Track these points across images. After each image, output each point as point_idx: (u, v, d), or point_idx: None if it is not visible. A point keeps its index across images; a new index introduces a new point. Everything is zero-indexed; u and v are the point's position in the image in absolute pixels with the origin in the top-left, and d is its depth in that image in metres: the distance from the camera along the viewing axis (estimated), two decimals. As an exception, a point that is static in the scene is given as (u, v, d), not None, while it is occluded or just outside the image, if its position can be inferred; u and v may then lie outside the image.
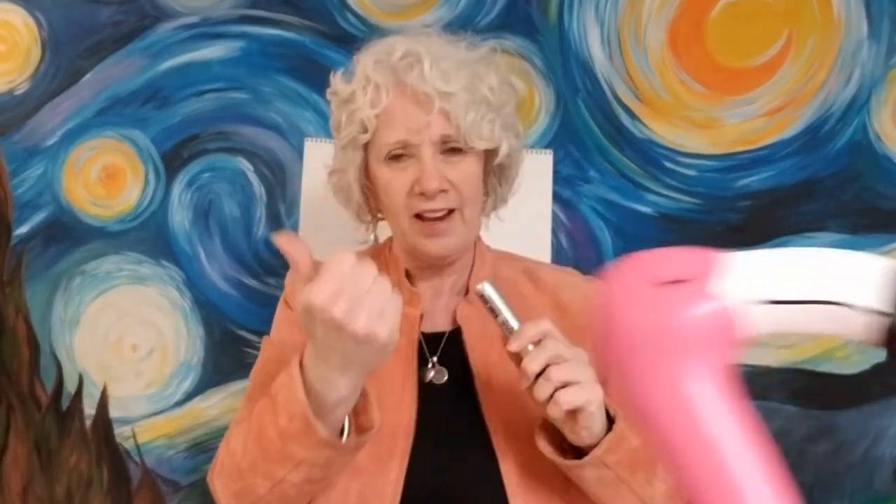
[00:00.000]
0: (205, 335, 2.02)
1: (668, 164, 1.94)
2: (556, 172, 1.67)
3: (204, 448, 2.04)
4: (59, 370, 2.03)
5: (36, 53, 2.00)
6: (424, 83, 1.05)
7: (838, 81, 1.93)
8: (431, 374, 1.11)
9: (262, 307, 2.01)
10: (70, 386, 2.03)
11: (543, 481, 1.03)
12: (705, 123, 1.94)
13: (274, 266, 2.01)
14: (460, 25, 1.97)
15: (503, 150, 1.12)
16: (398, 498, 1.05)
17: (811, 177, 1.94)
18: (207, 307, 2.02)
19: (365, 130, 1.09)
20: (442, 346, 1.12)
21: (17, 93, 2.01)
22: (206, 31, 1.99)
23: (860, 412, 1.95)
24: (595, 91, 1.95)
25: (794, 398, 1.92)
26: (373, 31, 1.98)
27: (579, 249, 1.98)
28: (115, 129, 2.01)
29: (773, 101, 1.93)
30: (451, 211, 1.10)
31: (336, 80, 1.14)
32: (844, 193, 1.94)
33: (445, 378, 1.10)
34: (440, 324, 1.15)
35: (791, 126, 1.94)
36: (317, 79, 1.99)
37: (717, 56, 1.93)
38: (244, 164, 2.01)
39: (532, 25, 1.97)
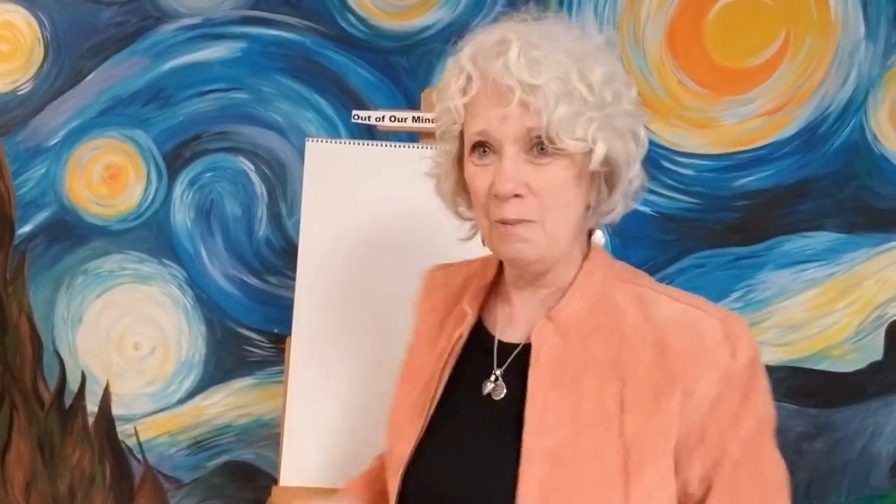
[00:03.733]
0: (206, 333, 2.03)
1: (666, 164, 1.95)
2: (554, 172, 1.67)
3: (206, 445, 2.05)
4: (61, 368, 2.04)
5: (39, 54, 2.01)
6: (508, 73, 0.95)
7: (835, 82, 1.94)
8: (490, 387, 1.04)
9: (264, 305, 2.03)
10: (73, 383, 2.05)
11: None
12: (703, 123, 1.95)
13: (275, 265, 2.02)
14: (461, 26, 1.98)
15: (598, 152, 0.97)
16: (398, 497, 1.06)
17: (808, 176, 1.95)
18: (209, 305, 2.03)
19: (455, 121, 1.02)
20: (511, 360, 1.04)
21: (20, 93, 2.02)
22: (208, 31, 2.00)
23: (857, 410, 1.96)
24: (594, 91, 1.96)
25: (792, 396, 1.93)
26: (373, 32, 2.00)
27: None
28: (118, 128, 2.02)
29: (771, 102, 1.94)
30: (529, 221, 0.99)
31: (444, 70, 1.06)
32: (841, 193, 1.95)
33: (504, 394, 1.03)
34: (519, 335, 1.05)
35: (788, 126, 1.95)
36: (317, 79, 2.01)
37: (714, 56, 1.94)
38: (245, 164, 2.02)
39: (531, 26, 1.97)
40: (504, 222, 0.99)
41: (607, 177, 1.02)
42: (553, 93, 0.95)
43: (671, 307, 1.00)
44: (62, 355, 2.04)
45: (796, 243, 1.96)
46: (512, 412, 1.00)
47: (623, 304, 1.01)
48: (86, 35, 2.00)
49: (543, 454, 0.96)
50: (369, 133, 1.79)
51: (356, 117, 1.70)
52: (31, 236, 2.03)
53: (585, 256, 1.05)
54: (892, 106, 1.94)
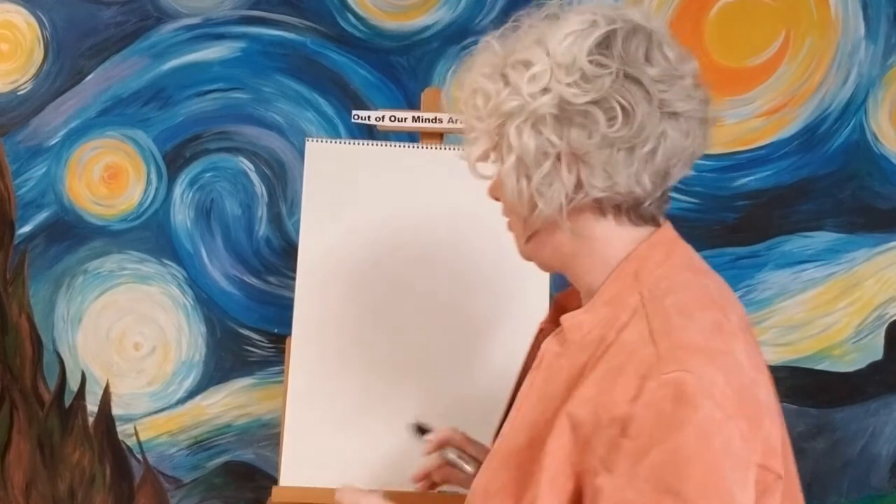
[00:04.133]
0: (206, 333, 2.03)
1: (667, 164, 1.95)
2: (555, 172, 1.67)
3: (206, 445, 2.05)
4: (61, 368, 2.04)
5: (38, 54, 2.01)
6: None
7: (835, 82, 1.94)
8: None
9: (264, 305, 2.03)
10: (73, 383, 2.05)
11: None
12: (703, 123, 1.95)
13: (275, 265, 2.03)
14: (461, 26, 1.98)
15: (476, 150, 0.98)
16: None
17: (808, 176, 1.95)
18: (209, 305, 2.03)
19: None
20: None
21: (20, 93, 2.01)
22: (208, 31, 2.00)
23: (857, 410, 1.96)
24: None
25: (792, 396, 1.93)
26: (373, 32, 2.00)
27: (578, 248, 1.99)
28: (118, 128, 2.02)
29: (771, 102, 1.94)
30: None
31: None
32: (841, 193, 1.95)
33: None
34: None
35: (788, 126, 1.95)
36: (317, 79, 2.01)
37: (714, 56, 1.94)
38: (245, 164, 2.02)
39: (531, 26, 1.97)
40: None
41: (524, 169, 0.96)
42: (463, 96, 0.99)
43: (633, 330, 0.89)
44: (62, 355, 2.04)
45: (796, 243, 1.96)
46: None
47: (619, 325, 0.92)
48: (86, 35, 2.00)
49: (498, 452, 0.97)
50: (369, 133, 1.79)
51: (356, 117, 1.70)
52: (31, 236, 2.03)
53: (619, 265, 0.97)
54: (892, 106, 1.94)
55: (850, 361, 1.97)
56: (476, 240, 1.63)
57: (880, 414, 1.96)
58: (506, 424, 0.99)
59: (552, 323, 1.10)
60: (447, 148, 1.69)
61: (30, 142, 2.02)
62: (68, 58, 2.01)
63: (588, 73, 0.90)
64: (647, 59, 0.92)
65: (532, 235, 0.99)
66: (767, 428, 0.88)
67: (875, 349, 1.97)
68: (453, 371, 1.58)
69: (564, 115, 0.91)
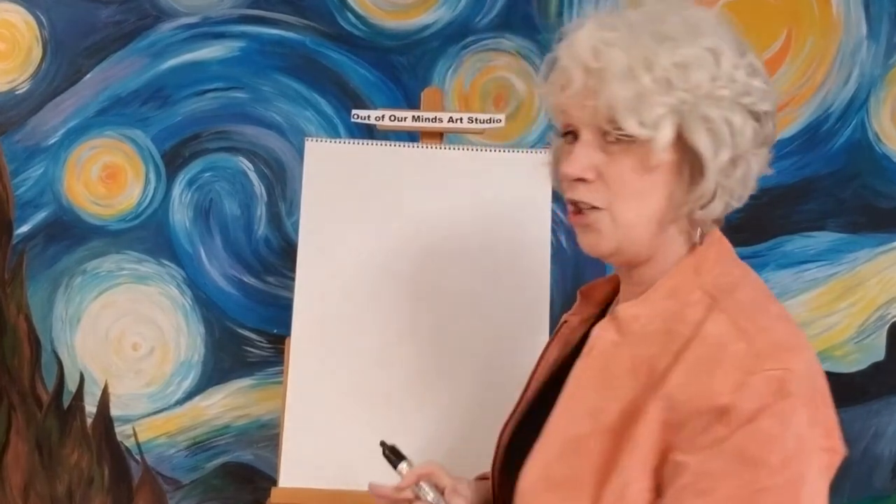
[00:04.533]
0: (205, 333, 2.03)
1: (668, 164, 1.95)
2: (555, 172, 1.67)
3: (204, 446, 2.04)
4: (60, 368, 2.04)
5: (37, 53, 2.01)
6: (572, 57, 0.95)
7: (837, 81, 1.94)
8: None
9: (263, 305, 2.02)
10: (71, 384, 2.04)
11: (544, 497, 0.98)
12: (704, 123, 1.95)
13: (274, 265, 2.02)
14: (461, 25, 1.98)
15: (659, 139, 0.92)
16: (494, 470, 1.16)
17: (810, 176, 1.95)
18: (208, 306, 2.03)
19: (549, 107, 1.03)
20: None
21: (18, 92, 2.01)
22: (207, 30, 2.00)
23: (859, 411, 1.96)
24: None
25: (793, 397, 1.92)
26: (373, 31, 1.99)
27: (578, 249, 1.98)
28: (116, 128, 2.01)
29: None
30: (595, 208, 0.97)
31: None
32: (843, 192, 1.94)
33: None
34: None
35: (790, 125, 1.94)
36: (317, 78, 2.00)
37: (716, 55, 1.94)
38: (244, 164, 2.02)
39: (531, 25, 1.97)
40: (573, 207, 0.99)
41: (692, 167, 0.95)
42: (614, 76, 0.92)
43: (719, 326, 0.92)
44: (60, 356, 2.04)
45: (798, 243, 1.95)
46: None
47: (690, 319, 0.94)
48: (84, 34, 2.00)
49: (558, 439, 0.98)
50: (369, 132, 1.79)
51: (356, 116, 1.70)
52: (29, 236, 2.02)
53: (681, 260, 0.99)
54: (893, 105, 1.94)
55: (852, 362, 1.96)
56: (476, 239, 1.63)
57: (882, 414, 1.96)
58: (558, 412, 0.99)
59: (577, 315, 1.13)
60: (447, 147, 1.68)
61: (28, 141, 2.01)
62: (66, 57, 2.00)
63: (752, 80, 0.97)
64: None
65: (658, 226, 0.97)
66: (829, 410, 0.94)
67: (877, 350, 1.96)
68: (453, 370, 1.58)
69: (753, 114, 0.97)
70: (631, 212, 0.96)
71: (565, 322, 1.15)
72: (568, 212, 1.01)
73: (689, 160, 0.94)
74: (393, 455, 1.22)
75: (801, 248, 1.95)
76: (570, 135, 0.99)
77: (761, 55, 1.95)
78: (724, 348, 0.90)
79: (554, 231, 1.84)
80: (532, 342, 1.55)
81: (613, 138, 0.94)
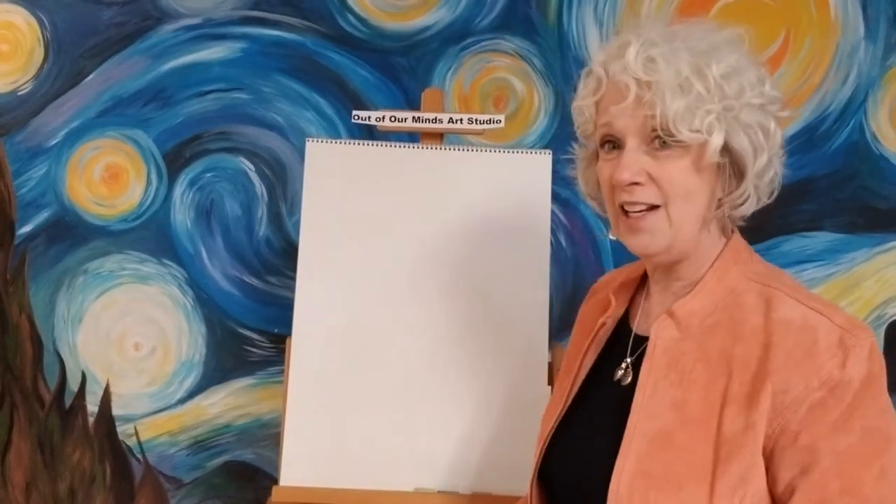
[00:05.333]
0: (207, 333, 2.03)
1: (667, 164, 1.95)
2: (555, 172, 1.67)
3: (206, 445, 2.05)
4: (62, 368, 2.04)
5: (39, 54, 2.01)
6: (625, 72, 1.03)
7: (835, 82, 1.94)
8: (620, 373, 1.12)
9: (264, 305, 2.03)
10: (73, 383, 2.05)
11: (649, 496, 1.02)
12: (703, 123, 1.95)
13: (275, 265, 2.03)
14: (460, 26, 1.98)
15: (714, 143, 1.00)
16: (537, 469, 1.17)
17: (808, 176, 1.95)
18: (209, 306, 2.03)
19: (587, 120, 1.10)
20: (641, 350, 1.11)
21: (21, 93, 2.02)
22: (208, 32, 2.00)
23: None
24: (594, 91, 1.96)
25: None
26: (373, 32, 2.00)
27: (578, 249, 1.99)
28: (118, 129, 2.02)
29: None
30: (653, 207, 1.04)
31: None
32: (841, 193, 1.95)
33: (630, 379, 1.10)
34: (649, 328, 1.12)
35: (788, 126, 1.95)
36: (317, 79, 2.01)
37: (714, 56, 1.94)
38: (246, 164, 2.02)
39: (531, 26, 1.98)
40: (627, 210, 1.06)
41: (733, 168, 1.05)
42: (668, 87, 1.00)
43: (793, 309, 1.02)
44: (62, 355, 2.04)
45: (796, 243, 1.96)
46: (631, 396, 1.07)
47: (749, 305, 1.04)
48: (86, 35, 2.00)
49: (644, 436, 1.03)
50: (369, 133, 1.79)
51: (356, 117, 1.70)
52: (31, 236, 2.03)
53: (721, 253, 1.09)
54: (891, 106, 1.94)
55: (850, 361, 1.97)
56: (476, 239, 1.63)
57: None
58: (637, 412, 1.05)
59: (599, 311, 1.20)
60: (447, 148, 1.69)
61: (30, 142, 2.02)
62: (69, 58, 2.01)
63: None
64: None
65: (701, 224, 1.06)
66: None
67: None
68: (453, 370, 1.58)
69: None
70: (683, 210, 1.04)
71: (603, 325, 1.19)
72: (617, 212, 1.08)
73: (730, 162, 1.04)
74: None
75: (799, 248, 1.96)
76: (610, 143, 1.07)
77: (759, 56, 1.96)
78: (813, 329, 0.99)
79: (554, 231, 1.84)
80: (532, 342, 1.56)
81: (660, 144, 1.02)
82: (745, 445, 0.98)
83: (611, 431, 1.06)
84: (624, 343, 1.15)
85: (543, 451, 1.16)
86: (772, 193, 1.10)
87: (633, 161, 1.03)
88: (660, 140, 1.02)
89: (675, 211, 1.04)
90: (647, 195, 1.04)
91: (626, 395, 1.08)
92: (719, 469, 0.98)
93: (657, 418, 1.03)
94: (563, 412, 1.16)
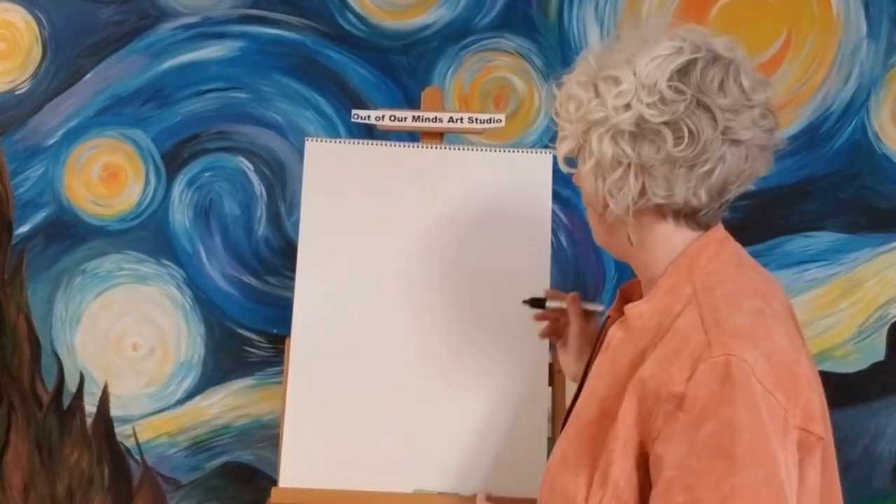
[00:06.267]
0: (205, 334, 2.03)
1: (668, 164, 1.95)
2: (555, 172, 1.67)
3: (204, 446, 2.04)
4: (60, 368, 2.04)
5: (37, 53, 2.01)
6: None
7: (837, 81, 1.94)
8: None
9: (263, 306, 2.02)
10: (71, 384, 2.04)
11: (562, 474, 1.09)
12: (704, 123, 1.95)
13: (274, 265, 2.02)
14: (460, 25, 1.98)
15: (559, 154, 1.12)
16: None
17: (810, 176, 1.95)
18: (208, 306, 2.03)
19: None
20: None
21: (18, 92, 2.01)
22: (207, 30, 2.00)
23: (859, 411, 1.96)
24: (594, 90, 1.96)
25: (793, 397, 1.92)
26: (373, 31, 1.99)
27: (578, 248, 1.99)
28: (116, 128, 2.01)
29: (772, 101, 1.94)
30: None
31: None
32: (843, 192, 1.94)
33: None
34: None
35: (790, 125, 1.94)
36: (317, 78, 2.00)
37: (716, 55, 1.94)
38: (244, 164, 2.02)
39: (532, 25, 1.97)
40: None
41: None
42: (560, 101, 1.11)
43: (686, 319, 1.04)
44: (60, 356, 2.04)
45: (798, 243, 1.96)
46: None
47: (676, 312, 1.06)
48: (84, 34, 2.00)
49: (577, 423, 1.10)
50: (369, 132, 1.79)
51: (356, 116, 1.69)
52: (29, 236, 2.02)
53: (676, 258, 1.10)
54: (894, 105, 1.94)
55: (852, 362, 1.97)
56: (476, 239, 1.63)
57: (882, 415, 1.96)
58: (579, 400, 1.13)
59: (617, 311, 1.22)
60: (447, 147, 1.68)
61: (28, 141, 2.01)
62: (67, 57, 2.00)
63: (666, 96, 1.02)
64: (721, 88, 1.03)
65: (604, 228, 1.13)
66: (807, 397, 1.02)
67: (877, 350, 1.97)
68: (453, 370, 1.58)
69: (640, 131, 1.03)
70: (593, 216, 1.15)
71: (608, 318, 1.25)
72: None
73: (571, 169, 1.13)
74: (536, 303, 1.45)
75: (802, 248, 1.96)
76: None
77: (761, 55, 1.96)
78: (687, 340, 1.01)
79: (554, 231, 1.84)
80: (532, 342, 1.55)
81: None
82: (616, 439, 1.02)
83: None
84: None
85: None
86: (700, 181, 1.05)
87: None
88: None
89: (590, 215, 1.16)
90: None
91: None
92: (601, 462, 1.04)
93: (588, 409, 1.09)
94: (571, 405, 1.20)
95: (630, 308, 1.10)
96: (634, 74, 1.03)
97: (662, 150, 1.02)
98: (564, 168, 1.14)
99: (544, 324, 1.48)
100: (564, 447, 1.10)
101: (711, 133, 1.02)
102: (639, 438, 1.01)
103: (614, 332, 1.11)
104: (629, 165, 1.04)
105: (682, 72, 1.02)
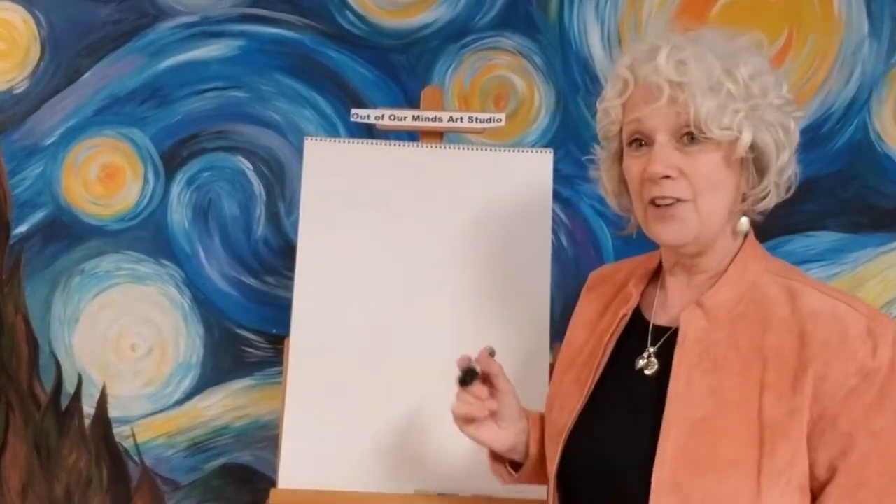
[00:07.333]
0: (204, 334, 2.02)
1: (669, 163, 1.94)
2: (556, 171, 1.67)
3: (203, 447, 2.04)
4: (58, 369, 2.03)
5: (35, 52, 2.00)
6: (657, 75, 1.09)
7: (839, 80, 1.93)
8: (641, 363, 1.16)
9: (262, 306, 2.02)
10: (69, 385, 2.04)
11: (695, 482, 1.05)
12: (705, 122, 1.94)
13: (273, 265, 2.02)
14: (461, 24, 1.97)
15: (744, 139, 1.08)
16: (556, 465, 1.19)
17: (811, 176, 1.94)
18: (207, 306, 2.02)
19: (613, 121, 1.16)
20: (663, 340, 1.16)
21: (17, 91, 2.01)
22: (206, 29, 1.99)
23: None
24: (595, 89, 1.94)
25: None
26: (372, 30, 1.99)
27: (579, 248, 1.98)
28: (115, 127, 2.01)
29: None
30: (681, 200, 1.11)
31: None
32: (845, 192, 1.94)
33: (655, 369, 1.14)
34: (670, 319, 1.17)
35: (791, 125, 1.94)
36: (316, 77, 2.00)
37: (717, 54, 1.93)
38: (243, 163, 2.01)
39: (532, 24, 1.97)
40: (657, 203, 1.11)
41: (757, 164, 1.12)
42: (699, 88, 1.07)
43: (820, 301, 1.08)
44: (58, 356, 2.03)
45: (799, 243, 1.95)
46: (660, 386, 1.11)
47: (773, 296, 1.10)
48: (82, 33, 1.99)
49: (683, 423, 1.07)
50: (368, 132, 1.78)
51: (355, 116, 1.69)
52: (27, 236, 2.02)
53: (741, 247, 1.15)
54: (895, 105, 1.93)
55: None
56: (476, 239, 1.62)
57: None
58: (674, 401, 1.09)
59: (630, 307, 1.22)
60: (447, 147, 1.68)
61: (26, 141, 2.01)
62: (65, 56, 2.00)
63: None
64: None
65: (718, 220, 1.12)
66: None
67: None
68: (453, 370, 1.57)
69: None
70: (712, 203, 1.10)
71: (625, 316, 1.22)
72: (645, 206, 1.13)
73: (754, 159, 1.11)
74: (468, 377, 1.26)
75: (803, 248, 1.95)
76: (638, 142, 1.13)
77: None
78: (843, 319, 1.06)
79: (554, 231, 1.84)
80: (532, 342, 1.55)
81: (689, 140, 1.09)
82: (790, 429, 1.03)
83: (643, 421, 1.10)
84: (638, 334, 1.18)
85: (566, 441, 1.18)
86: (789, 189, 1.15)
87: (666, 156, 1.09)
88: (689, 136, 1.09)
89: (704, 204, 1.10)
90: (677, 189, 1.09)
91: (653, 384, 1.12)
92: (765, 452, 1.03)
93: (696, 406, 1.07)
94: (584, 403, 1.18)
95: (709, 297, 1.12)
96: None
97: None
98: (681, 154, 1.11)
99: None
100: (681, 453, 1.06)
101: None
102: (812, 425, 1.03)
103: (692, 324, 1.12)
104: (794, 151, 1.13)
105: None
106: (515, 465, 1.32)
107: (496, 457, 1.32)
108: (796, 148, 1.13)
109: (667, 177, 1.09)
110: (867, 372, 1.02)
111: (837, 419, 1.02)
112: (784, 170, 1.12)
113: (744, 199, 1.13)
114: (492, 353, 1.26)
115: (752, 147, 1.09)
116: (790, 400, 1.04)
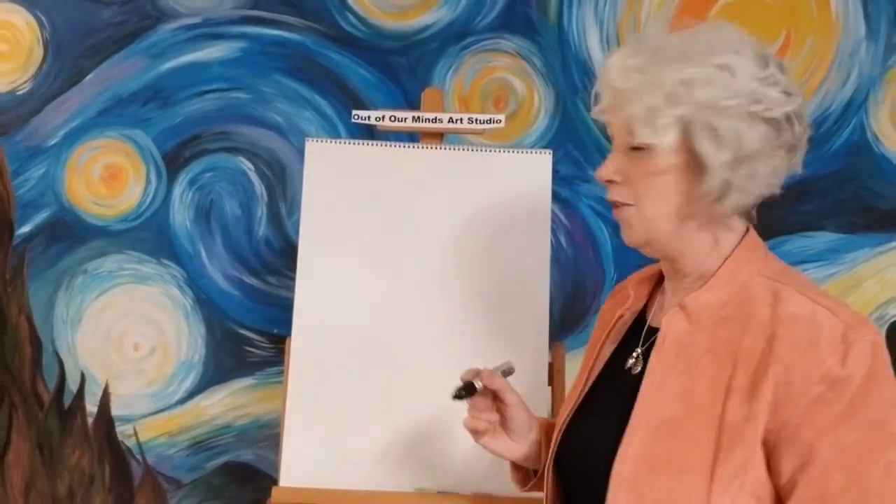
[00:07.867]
0: (206, 334, 2.03)
1: (667, 164, 1.95)
2: (555, 172, 1.67)
3: (205, 446, 2.04)
4: (61, 368, 2.04)
5: (38, 53, 2.01)
6: (605, 79, 1.11)
7: (836, 81, 1.94)
8: (630, 362, 1.16)
9: (263, 306, 2.02)
10: (72, 384, 2.04)
11: (652, 480, 1.05)
12: (704, 123, 1.95)
13: (274, 265, 2.02)
14: (461, 25, 1.98)
15: (664, 145, 1.06)
16: (553, 456, 1.20)
17: (809, 177, 1.94)
18: (209, 306, 2.03)
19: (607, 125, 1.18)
20: (651, 341, 1.15)
21: (20, 93, 2.01)
22: (207, 31, 2.00)
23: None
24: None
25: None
26: (373, 32, 2.00)
27: (578, 248, 1.99)
28: (117, 128, 2.02)
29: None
30: (626, 204, 1.11)
31: None
32: (842, 193, 1.94)
33: (639, 369, 1.14)
34: (661, 320, 1.17)
35: (789, 126, 1.94)
36: (317, 79, 2.01)
37: (715, 56, 1.94)
38: (245, 164, 2.02)
39: (531, 26, 1.98)
40: (612, 205, 1.13)
41: (699, 169, 1.07)
42: (632, 95, 1.07)
43: (801, 305, 1.05)
44: (61, 356, 2.04)
45: (797, 243, 1.96)
46: (640, 385, 1.11)
47: (759, 299, 1.07)
48: (85, 35, 2.00)
49: (650, 423, 1.07)
50: (369, 133, 1.79)
51: (356, 117, 1.70)
52: (30, 237, 2.03)
53: (735, 249, 1.12)
54: (892, 106, 1.94)
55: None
56: (476, 239, 1.63)
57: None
58: (644, 399, 1.09)
59: (630, 309, 1.23)
60: (447, 148, 1.68)
61: (29, 142, 2.02)
62: (68, 58, 2.00)
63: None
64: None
65: (681, 224, 1.10)
66: None
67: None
68: (453, 370, 1.58)
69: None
70: (652, 208, 1.10)
71: (621, 317, 1.23)
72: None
73: (695, 162, 1.07)
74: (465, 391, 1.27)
75: (800, 249, 1.96)
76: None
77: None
78: (819, 324, 1.02)
79: (554, 231, 1.84)
80: (533, 341, 1.56)
81: (634, 146, 1.09)
82: (745, 434, 1.01)
83: (617, 418, 1.10)
84: (639, 335, 1.19)
85: (559, 437, 1.19)
86: (759, 193, 1.11)
87: (612, 160, 1.12)
88: (631, 142, 1.09)
89: (647, 209, 1.10)
90: (621, 193, 1.11)
91: (635, 383, 1.12)
92: (720, 457, 1.02)
93: (664, 406, 1.07)
94: (579, 401, 1.20)
95: (692, 300, 1.10)
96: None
97: (773, 138, 1.07)
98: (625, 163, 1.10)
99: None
100: (643, 450, 1.06)
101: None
102: (771, 432, 1.00)
103: (673, 325, 1.11)
104: (763, 155, 1.07)
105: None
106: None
107: (517, 465, 1.33)
108: (776, 146, 1.08)
109: (611, 181, 1.11)
110: (833, 380, 0.98)
111: (800, 428, 0.99)
112: (734, 169, 1.05)
113: (695, 202, 1.08)
114: (508, 372, 1.29)
115: (689, 151, 1.06)
116: (749, 405, 1.01)
